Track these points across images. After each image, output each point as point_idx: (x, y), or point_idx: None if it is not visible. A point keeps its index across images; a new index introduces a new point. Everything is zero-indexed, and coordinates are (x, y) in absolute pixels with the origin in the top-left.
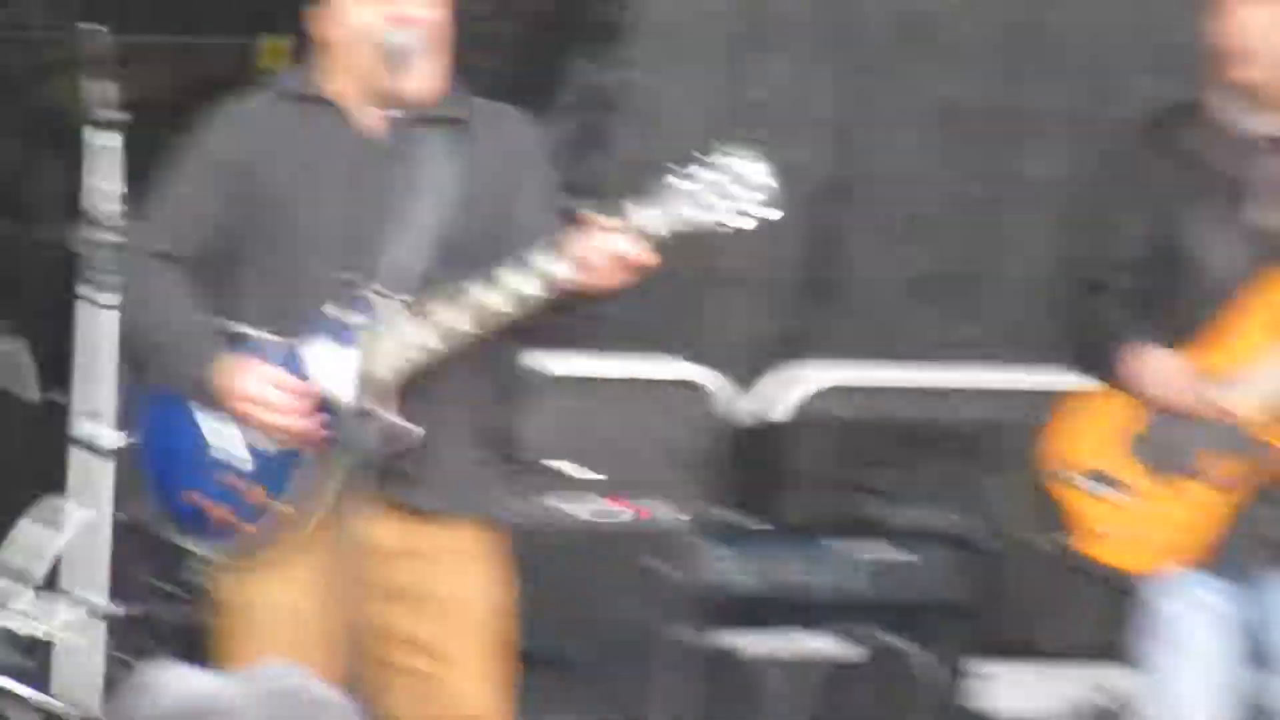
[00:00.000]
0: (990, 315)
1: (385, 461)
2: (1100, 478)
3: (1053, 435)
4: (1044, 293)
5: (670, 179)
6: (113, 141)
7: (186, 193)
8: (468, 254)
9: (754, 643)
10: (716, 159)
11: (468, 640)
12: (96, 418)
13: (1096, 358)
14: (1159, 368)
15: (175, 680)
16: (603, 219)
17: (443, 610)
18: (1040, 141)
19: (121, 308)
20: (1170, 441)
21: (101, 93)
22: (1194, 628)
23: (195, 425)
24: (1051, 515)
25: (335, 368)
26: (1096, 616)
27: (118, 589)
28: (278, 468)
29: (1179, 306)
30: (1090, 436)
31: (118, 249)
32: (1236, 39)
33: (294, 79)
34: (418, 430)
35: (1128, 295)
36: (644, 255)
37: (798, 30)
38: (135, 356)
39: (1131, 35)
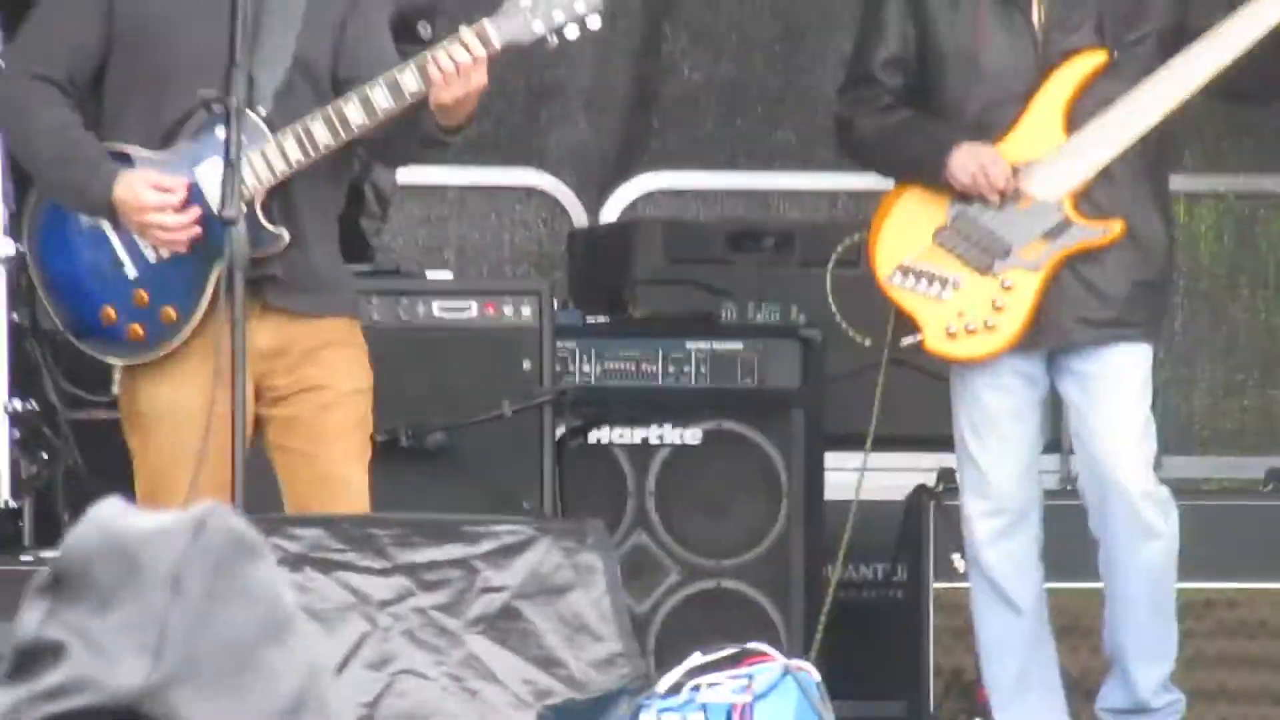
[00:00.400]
0: (805, 120)
1: (258, 266)
2: (918, 272)
3: (870, 236)
4: None
5: None
6: None
7: (60, 18)
8: (316, 70)
9: (601, 432)
10: None
11: (339, 421)
12: None
13: (885, 154)
14: (967, 156)
15: (106, 513)
16: (448, 35)
17: (318, 397)
18: None
19: (12, 125)
20: (982, 229)
21: None
22: (1008, 414)
23: (103, 242)
24: (875, 311)
25: (210, 179)
26: (919, 405)
27: (22, 389)
28: (166, 275)
29: (964, 104)
30: (904, 233)
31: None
32: None
33: None
34: (284, 233)
35: (896, 94)
36: (482, 67)
37: None
38: (25, 169)
39: None
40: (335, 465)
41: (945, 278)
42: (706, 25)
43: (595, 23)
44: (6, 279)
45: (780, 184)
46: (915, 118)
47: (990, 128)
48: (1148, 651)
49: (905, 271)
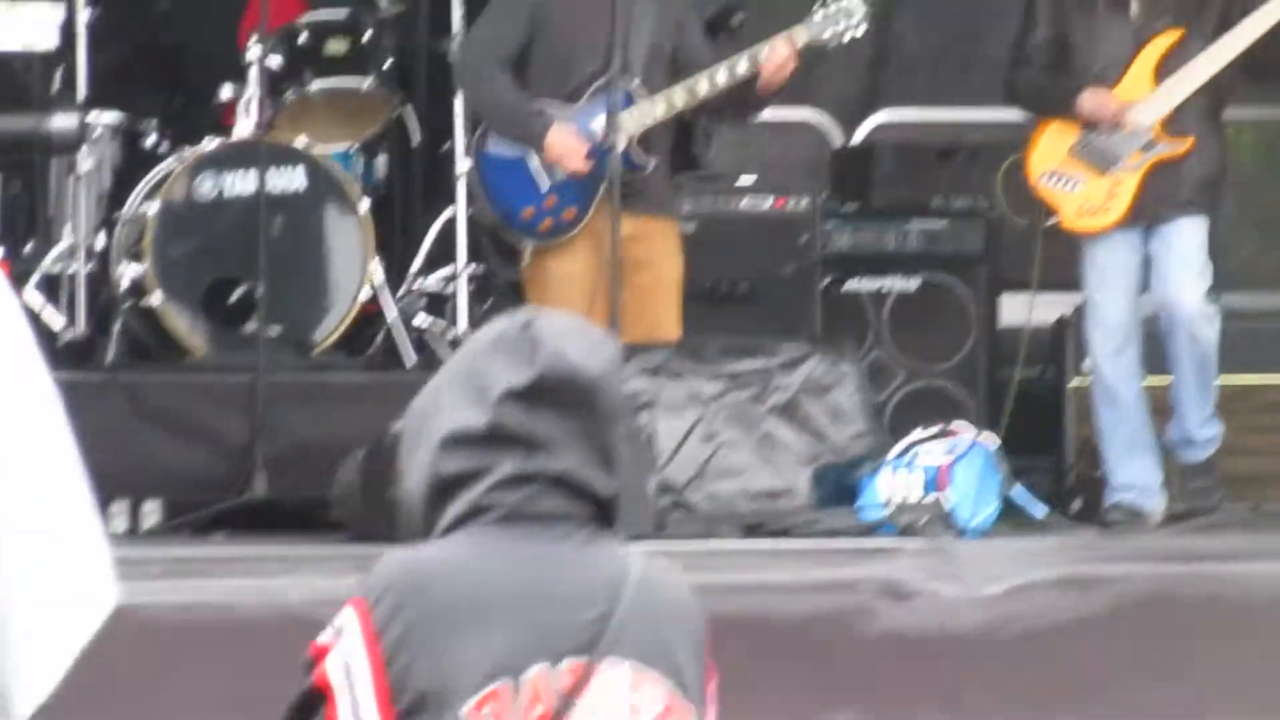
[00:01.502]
0: (987, 74)
1: (625, 184)
2: (1059, 175)
3: (1026, 152)
4: None
5: (813, 11)
6: None
7: (499, 25)
8: (663, 55)
9: (852, 282)
10: None
11: (664, 289)
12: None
13: (1037, 101)
14: (1092, 99)
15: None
16: (776, 39)
17: (655, 273)
18: None
19: (471, 86)
20: (1100, 145)
21: None
22: (1115, 269)
23: (523, 163)
24: (1031, 199)
25: (600, 125)
26: (1066, 259)
27: (472, 258)
28: (568, 188)
29: (1089, 71)
30: (1048, 151)
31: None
32: None
33: None
34: (649, 162)
35: (1046, 64)
36: (792, 60)
37: None
38: (482, 117)
39: None
40: (661, 315)
41: (1076, 178)
42: (921, 7)
43: (861, 31)
44: (465, 186)
45: (968, 117)
46: (1054, 78)
47: (1107, 80)
48: (1194, 400)
49: (1050, 174)
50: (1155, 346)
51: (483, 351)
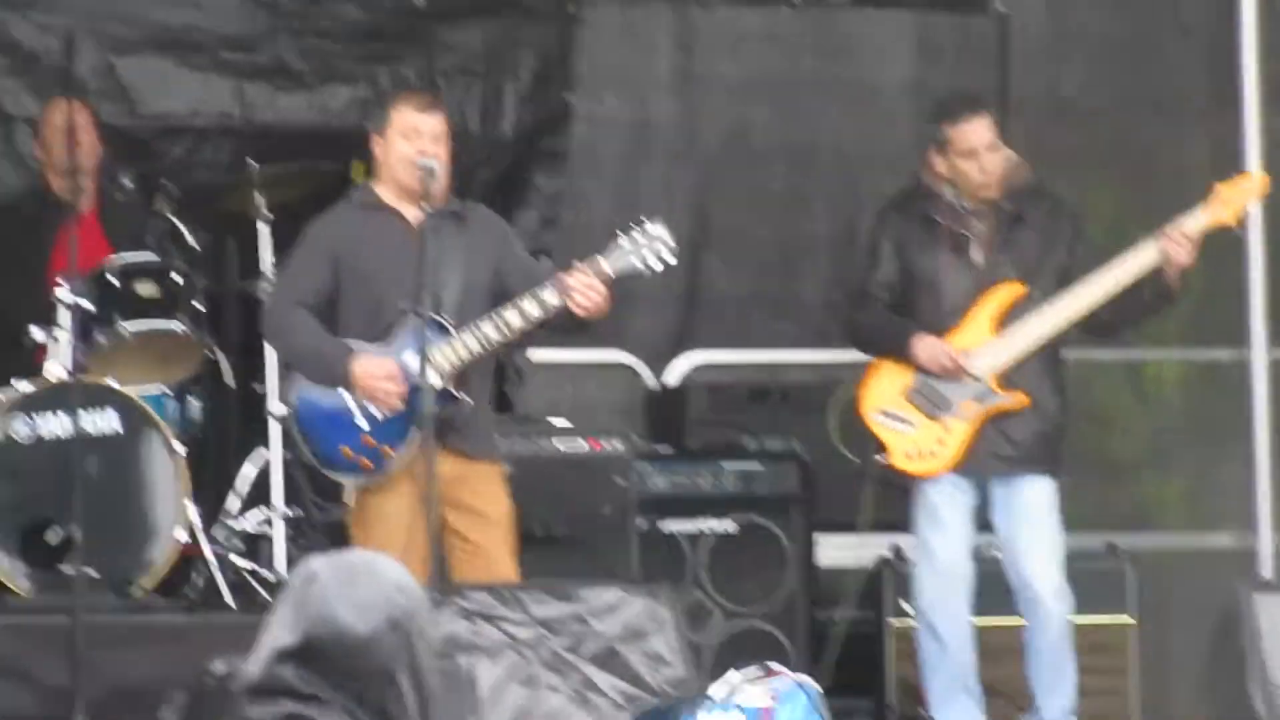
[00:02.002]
0: (798, 317)
1: (444, 422)
2: (891, 415)
3: (860, 389)
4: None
5: (617, 240)
6: (266, 231)
7: (302, 270)
8: (479, 292)
9: (668, 524)
10: (639, 227)
11: (495, 531)
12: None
13: (876, 341)
14: (929, 345)
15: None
16: (578, 265)
17: (480, 515)
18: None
19: (274, 334)
20: (933, 390)
21: (259, 200)
22: (948, 510)
23: (341, 403)
24: (862, 439)
25: (410, 363)
26: (883, 503)
27: (290, 501)
28: (385, 427)
29: (929, 313)
30: (882, 389)
31: (270, 297)
32: (979, 170)
33: (366, 192)
34: (470, 400)
35: (886, 303)
36: (601, 287)
37: (667, 146)
38: (289, 362)
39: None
40: (496, 559)
41: (908, 419)
42: (731, 251)
43: (671, 259)
44: (280, 427)
45: (781, 358)
46: (893, 318)
47: (946, 328)
48: (1050, 688)
49: (883, 412)
50: (991, 584)
51: (280, 602)
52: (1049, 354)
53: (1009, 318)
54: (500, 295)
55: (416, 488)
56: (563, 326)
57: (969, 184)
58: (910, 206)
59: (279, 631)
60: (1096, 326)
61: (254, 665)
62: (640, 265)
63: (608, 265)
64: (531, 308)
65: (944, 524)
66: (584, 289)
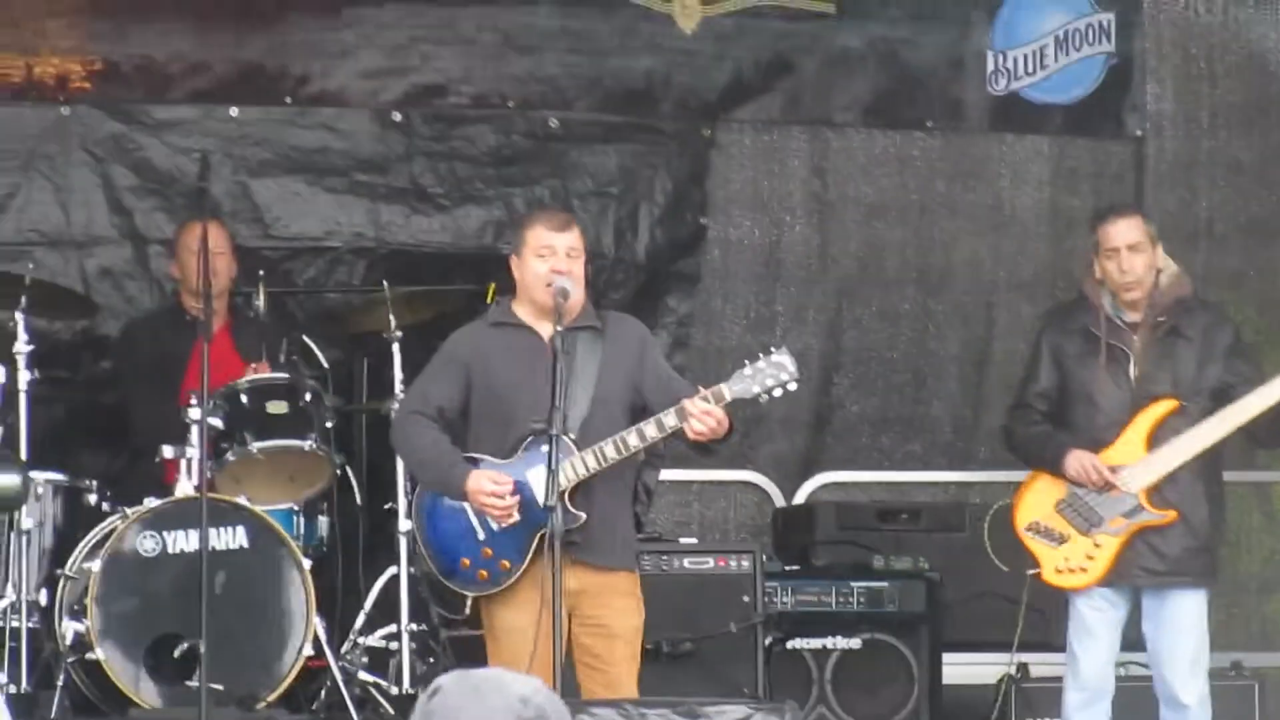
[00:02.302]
0: (926, 438)
1: (565, 535)
2: (1042, 529)
3: (1015, 502)
4: (957, 425)
5: (743, 367)
6: (397, 350)
7: (435, 382)
8: (610, 404)
9: (795, 641)
10: (766, 355)
11: (619, 645)
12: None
13: (1030, 452)
14: (1079, 459)
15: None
16: (701, 390)
17: (608, 630)
18: (953, 331)
19: (399, 440)
20: (1084, 505)
21: (390, 320)
22: (1098, 623)
23: (463, 515)
24: (1014, 553)
25: (536, 479)
26: (1005, 620)
27: (414, 616)
28: (503, 540)
29: (1085, 426)
30: (1034, 503)
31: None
32: (1119, 269)
33: (502, 310)
34: (583, 515)
35: (1043, 415)
36: (719, 412)
37: (797, 269)
38: (410, 470)
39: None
40: (617, 673)
41: (1058, 534)
42: (861, 375)
43: (793, 387)
44: (407, 543)
45: (910, 478)
46: (1048, 431)
47: (1100, 441)
48: None
49: (1034, 527)
50: (1128, 699)
51: (411, 716)
52: (1204, 467)
53: (1162, 433)
54: (636, 410)
55: (542, 598)
56: (686, 449)
57: (1112, 284)
58: (1070, 318)
59: None
60: (1257, 440)
61: None
62: (761, 393)
63: (728, 391)
64: (650, 430)
65: (1093, 636)
66: (701, 415)
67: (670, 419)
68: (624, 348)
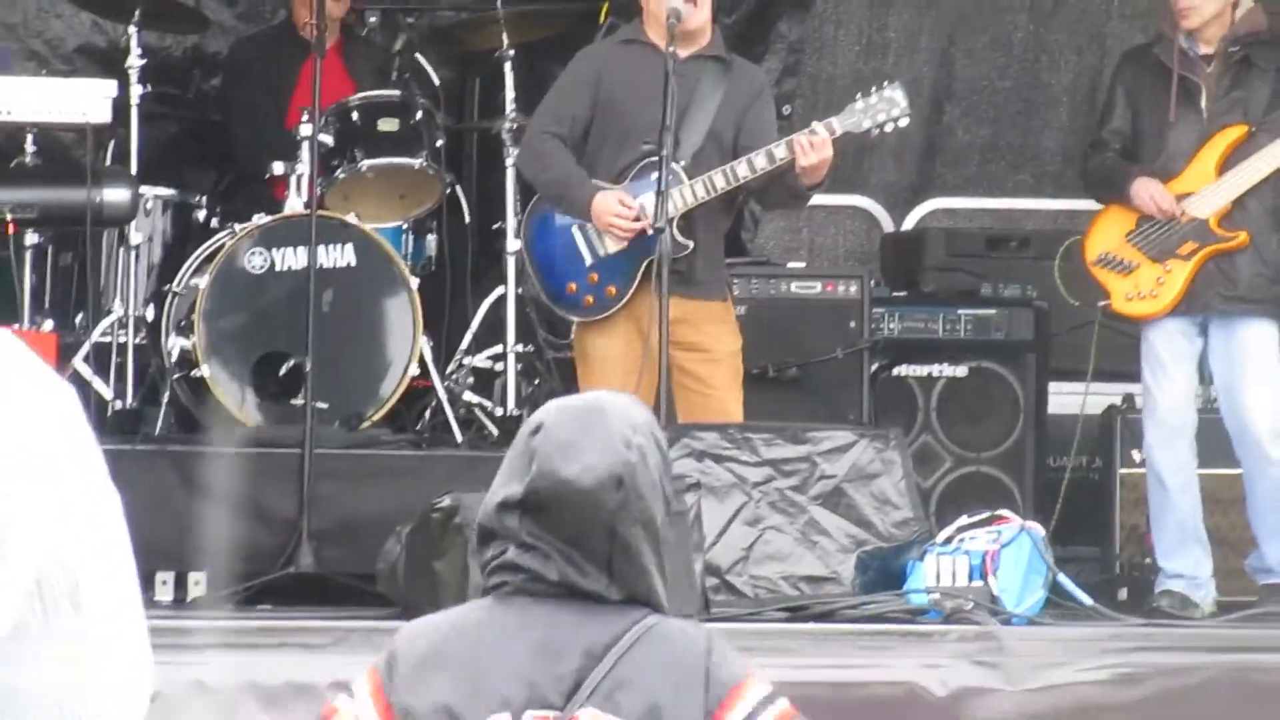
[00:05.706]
0: (1037, 166)
1: (672, 262)
2: (1112, 259)
3: (1085, 235)
4: (1067, 155)
5: (854, 100)
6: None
7: (565, 98)
8: (723, 141)
9: (901, 368)
10: (878, 89)
11: (721, 368)
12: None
13: (1101, 185)
14: (1146, 186)
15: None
16: (811, 126)
17: (710, 354)
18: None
19: (527, 160)
20: (1154, 233)
21: (503, 39)
22: (1171, 357)
23: (571, 238)
24: (1087, 284)
25: (645, 204)
26: (1116, 348)
27: (520, 337)
28: (610, 266)
29: (1156, 159)
30: (1105, 235)
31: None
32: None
33: (630, 29)
34: (690, 243)
35: (1117, 151)
36: (828, 146)
37: None
38: (534, 189)
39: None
40: (721, 398)
41: (1128, 262)
42: (972, 104)
43: (904, 122)
44: (515, 264)
45: (1019, 206)
46: (1118, 162)
47: (1171, 173)
48: (1270, 531)
49: (1104, 257)
50: (1213, 435)
51: (510, 450)
52: (1269, 194)
53: (1232, 160)
54: (734, 151)
55: (637, 329)
56: (787, 186)
57: (1172, 14)
58: (1146, 55)
59: (505, 480)
60: None
61: (481, 513)
62: (872, 127)
63: (839, 125)
64: (760, 160)
65: (1167, 371)
66: (809, 146)
67: (781, 150)
68: (744, 90)
